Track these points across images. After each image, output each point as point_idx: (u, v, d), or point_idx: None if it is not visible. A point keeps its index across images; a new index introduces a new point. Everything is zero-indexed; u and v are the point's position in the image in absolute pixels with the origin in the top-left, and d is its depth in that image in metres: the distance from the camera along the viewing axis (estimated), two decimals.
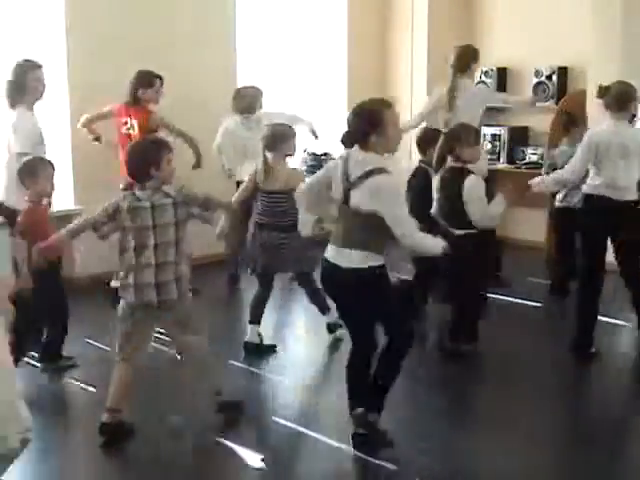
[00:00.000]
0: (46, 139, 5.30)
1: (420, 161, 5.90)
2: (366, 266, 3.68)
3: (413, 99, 8.56)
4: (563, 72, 7.79)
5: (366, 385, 3.90)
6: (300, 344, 5.80)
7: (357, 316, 3.86)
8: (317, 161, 8.01)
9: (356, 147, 3.72)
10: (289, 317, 6.37)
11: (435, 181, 5.14)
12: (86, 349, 5.23)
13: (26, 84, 5.20)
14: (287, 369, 5.14)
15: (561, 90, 7.76)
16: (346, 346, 4.79)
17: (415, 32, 8.48)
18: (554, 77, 7.77)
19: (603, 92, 4.96)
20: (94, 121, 6.34)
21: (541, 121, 7.81)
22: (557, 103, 7.66)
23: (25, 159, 4.81)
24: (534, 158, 7.89)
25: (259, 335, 5.30)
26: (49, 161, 4.87)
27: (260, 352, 5.23)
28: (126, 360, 4.02)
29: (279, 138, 5.16)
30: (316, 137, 7.14)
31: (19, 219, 4.66)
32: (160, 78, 6.21)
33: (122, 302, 4.00)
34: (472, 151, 4.98)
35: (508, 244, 7.26)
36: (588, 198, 5.05)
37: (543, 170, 6.41)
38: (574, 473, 3.77)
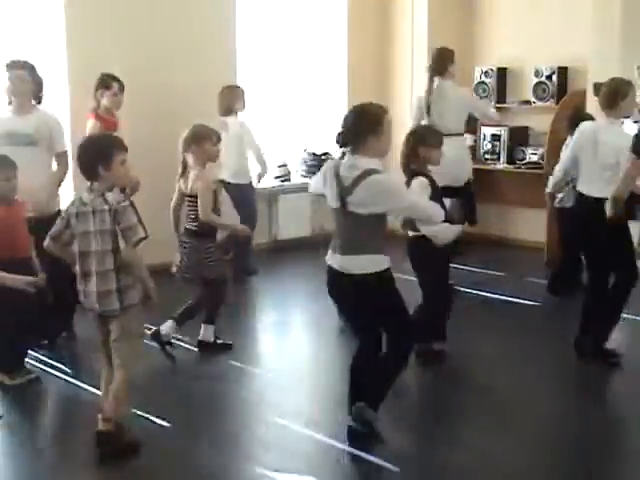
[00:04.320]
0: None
1: None
2: (373, 271, 3.72)
3: (413, 99, 8.57)
4: (563, 72, 7.78)
5: (367, 385, 3.92)
6: (298, 344, 5.80)
7: (365, 319, 3.89)
8: (317, 161, 8.00)
9: (347, 152, 3.73)
10: (288, 318, 6.37)
11: None
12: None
13: None
14: (286, 369, 5.15)
15: (561, 90, 7.75)
16: (344, 345, 4.80)
17: (415, 33, 8.47)
18: (554, 77, 7.77)
19: (598, 90, 4.90)
20: None
21: (541, 121, 7.81)
22: (557, 103, 7.66)
23: None
24: (534, 158, 7.87)
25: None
26: (7, 159, 4.50)
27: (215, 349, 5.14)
28: (107, 364, 3.84)
29: (195, 139, 4.93)
30: (258, 181, 6.97)
31: None
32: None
33: None
34: (432, 153, 4.69)
35: (508, 244, 7.26)
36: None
37: None
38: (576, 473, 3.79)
